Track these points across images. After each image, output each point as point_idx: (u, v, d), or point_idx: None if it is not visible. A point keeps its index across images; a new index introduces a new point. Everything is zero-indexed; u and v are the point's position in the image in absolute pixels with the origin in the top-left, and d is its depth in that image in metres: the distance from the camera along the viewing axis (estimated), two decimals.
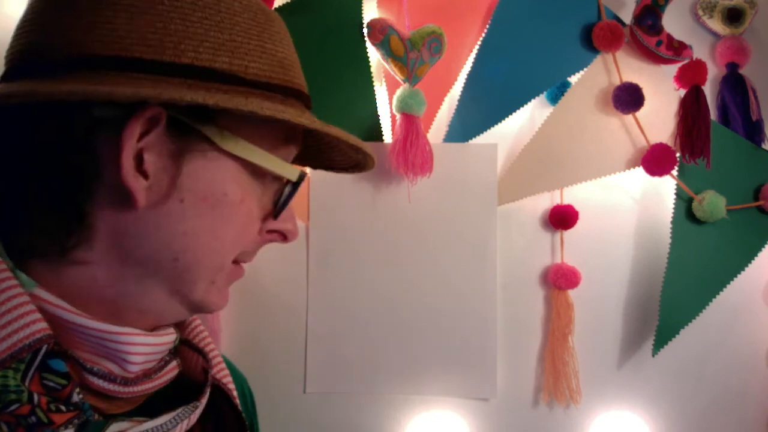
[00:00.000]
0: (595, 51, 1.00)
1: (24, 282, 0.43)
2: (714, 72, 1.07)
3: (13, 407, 0.39)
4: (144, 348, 0.47)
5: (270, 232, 0.52)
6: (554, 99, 1.03)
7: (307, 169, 0.68)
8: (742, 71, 1.05)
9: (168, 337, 0.50)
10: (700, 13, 1.07)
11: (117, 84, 0.41)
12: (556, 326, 1.02)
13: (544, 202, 1.05)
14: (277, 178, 0.51)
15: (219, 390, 0.57)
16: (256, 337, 0.99)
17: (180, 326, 0.60)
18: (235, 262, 0.51)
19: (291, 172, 0.50)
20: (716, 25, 1.06)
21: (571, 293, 1.03)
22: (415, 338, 1.00)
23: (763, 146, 1.04)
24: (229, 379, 0.59)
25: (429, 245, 1.00)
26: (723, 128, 1.03)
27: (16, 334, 0.40)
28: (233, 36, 0.46)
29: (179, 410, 0.47)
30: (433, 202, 1.00)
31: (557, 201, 1.04)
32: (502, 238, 1.02)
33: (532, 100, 1.01)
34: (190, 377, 0.56)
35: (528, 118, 1.04)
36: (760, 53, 1.06)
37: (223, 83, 0.45)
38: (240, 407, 0.59)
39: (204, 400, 0.51)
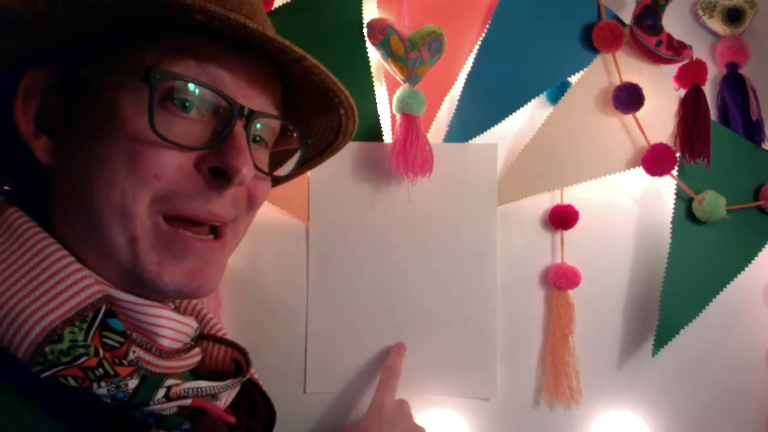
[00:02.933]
0: (595, 51, 1.00)
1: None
2: (714, 72, 1.07)
3: (82, 360, 0.41)
4: (172, 323, 0.48)
5: (214, 171, 0.46)
6: (554, 99, 1.03)
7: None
8: (742, 71, 1.05)
9: (191, 321, 0.52)
10: (700, 13, 1.07)
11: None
12: (557, 326, 1.02)
13: (544, 202, 1.05)
14: (217, 109, 0.47)
15: (252, 383, 0.60)
16: (256, 337, 0.99)
17: (202, 323, 0.62)
18: (179, 218, 0.46)
19: (128, 72, 0.44)
20: (716, 25, 1.06)
21: (572, 293, 1.03)
22: (415, 338, 1.00)
23: (763, 146, 1.04)
24: (253, 372, 0.61)
25: (429, 245, 1.00)
26: (723, 128, 1.03)
27: (78, 295, 0.43)
28: None
29: (228, 381, 0.49)
30: (433, 202, 1.00)
31: (557, 201, 1.04)
32: (502, 238, 1.02)
33: (532, 100, 1.01)
34: (209, 370, 0.58)
35: (528, 118, 1.04)
36: (760, 53, 1.06)
37: None
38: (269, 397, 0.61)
39: (246, 378, 0.53)
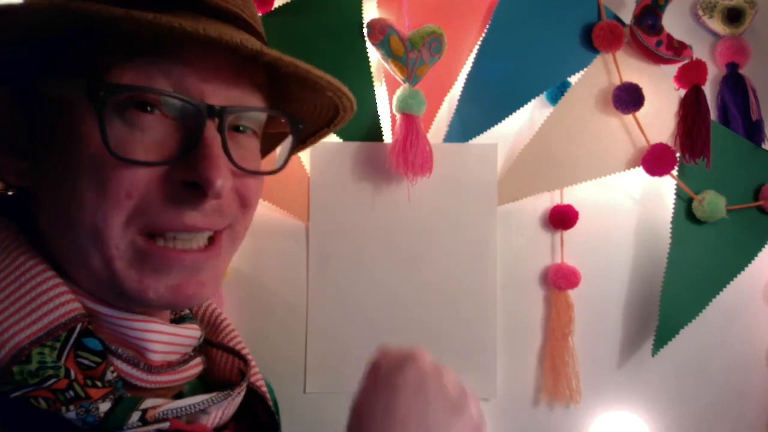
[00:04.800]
0: (595, 51, 1.00)
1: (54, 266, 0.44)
2: (714, 72, 1.07)
3: (51, 382, 0.39)
4: (162, 336, 0.46)
5: (186, 184, 0.42)
6: (554, 99, 1.03)
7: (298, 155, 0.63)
8: (742, 71, 1.05)
9: (190, 332, 0.50)
10: (700, 13, 1.07)
11: None
12: (556, 326, 1.02)
13: (544, 202, 1.05)
14: (183, 111, 0.43)
15: (254, 393, 0.57)
16: (256, 337, 0.99)
17: (214, 329, 0.60)
18: (158, 235, 0.43)
19: (68, 87, 0.41)
20: (716, 25, 1.06)
21: (571, 293, 1.03)
22: (414, 338, 1.00)
23: (763, 146, 1.04)
24: (263, 383, 0.59)
25: (429, 245, 1.00)
26: (723, 128, 1.03)
27: (51, 313, 0.41)
28: None
29: (213, 394, 0.47)
30: (433, 202, 1.00)
31: (557, 201, 1.04)
32: (502, 238, 1.02)
33: (532, 100, 1.01)
34: (221, 380, 0.56)
35: (528, 118, 1.04)
36: (760, 53, 1.06)
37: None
38: (273, 410, 0.59)
39: (239, 392, 0.50)
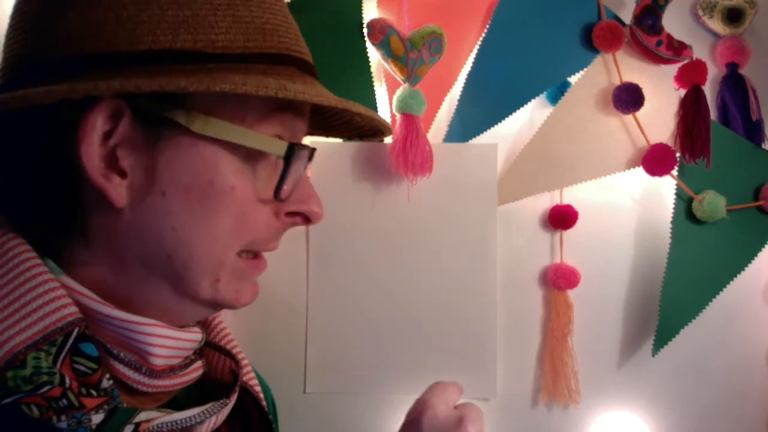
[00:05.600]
0: (595, 51, 1.00)
1: (52, 269, 0.44)
2: (714, 72, 1.07)
3: (45, 389, 0.38)
4: (167, 341, 0.46)
5: (290, 214, 0.51)
6: (554, 99, 1.03)
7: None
8: (742, 71, 1.05)
9: (193, 335, 0.50)
10: (700, 13, 1.07)
11: (70, 84, 0.39)
12: (556, 326, 1.02)
13: (544, 202, 1.05)
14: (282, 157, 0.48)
15: (247, 392, 0.57)
16: (256, 336, 0.99)
17: (204, 327, 0.60)
18: (251, 252, 0.50)
19: (273, 145, 0.46)
20: (716, 25, 1.06)
21: (571, 293, 1.03)
22: (414, 338, 1.00)
23: (763, 146, 1.04)
24: (256, 382, 0.60)
25: (429, 245, 1.00)
26: (723, 128, 1.03)
27: (48, 317, 0.41)
28: (195, 10, 0.42)
29: (209, 405, 0.47)
30: (433, 202, 1.00)
31: (557, 201, 1.04)
32: (502, 238, 1.02)
33: (532, 100, 1.01)
34: (215, 380, 0.56)
35: (528, 118, 1.04)
36: (760, 53, 1.06)
37: (188, 63, 0.42)
38: (267, 410, 0.59)
39: (233, 399, 0.50)
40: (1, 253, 0.43)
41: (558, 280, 1.02)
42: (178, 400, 0.51)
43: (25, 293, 0.41)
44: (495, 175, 1.01)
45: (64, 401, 0.39)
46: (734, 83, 1.04)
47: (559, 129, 1.00)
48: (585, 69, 1.01)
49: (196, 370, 0.51)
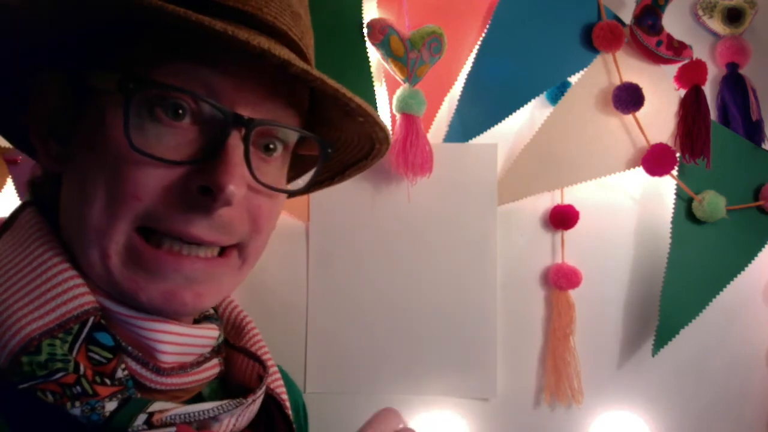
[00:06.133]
0: (595, 51, 1.00)
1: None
2: (714, 72, 1.07)
3: (59, 375, 0.39)
4: (173, 338, 0.45)
5: (203, 190, 0.42)
6: (554, 99, 1.03)
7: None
8: (742, 71, 1.05)
9: (206, 332, 0.49)
10: (700, 13, 1.07)
11: None
12: (557, 326, 1.02)
13: (544, 202, 1.05)
14: (212, 118, 0.42)
15: (273, 399, 0.55)
16: None
17: (237, 331, 0.59)
18: (156, 231, 0.42)
19: (103, 79, 0.41)
20: (716, 25, 1.06)
21: (572, 293, 1.03)
22: (415, 338, 1.00)
23: (763, 146, 1.04)
24: (284, 389, 0.58)
25: (429, 245, 1.00)
26: (723, 128, 1.03)
27: (64, 306, 0.41)
28: None
29: (225, 402, 0.45)
30: (433, 202, 1.00)
31: (557, 201, 1.04)
32: (502, 238, 1.02)
33: (532, 100, 1.01)
34: (243, 384, 0.54)
35: (528, 118, 1.04)
36: (760, 53, 1.06)
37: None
38: (292, 418, 0.56)
39: (254, 400, 0.48)
40: (27, 245, 0.44)
41: (560, 280, 1.01)
42: (203, 400, 0.50)
43: (44, 282, 0.42)
44: (495, 175, 1.01)
45: (78, 388, 0.39)
46: (734, 83, 1.04)
47: (559, 129, 1.00)
48: (585, 69, 1.01)
49: (210, 369, 0.49)
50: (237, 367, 0.55)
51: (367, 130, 0.52)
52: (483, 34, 1.00)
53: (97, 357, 0.42)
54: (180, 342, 0.46)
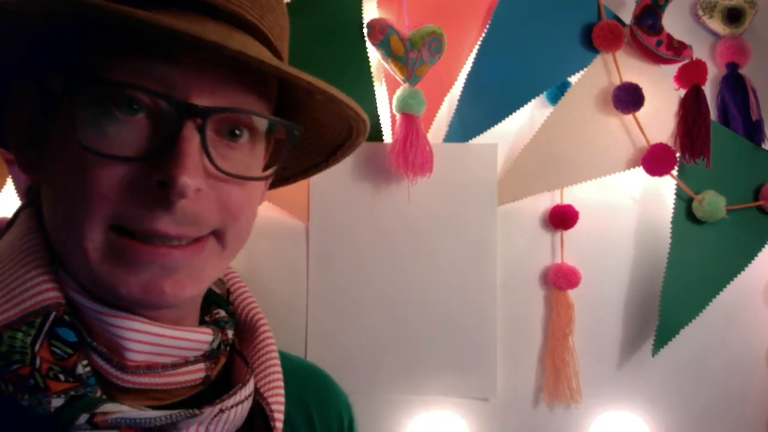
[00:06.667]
0: (595, 51, 1.00)
1: (56, 260, 0.46)
2: (714, 72, 1.07)
3: (15, 367, 0.41)
4: (144, 336, 0.44)
5: (161, 184, 0.41)
6: (554, 99, 1.03)
7: None
8: (742, 71, 1.05)
9: (191, 335, 0.47)
10: (700, 13, 1.07)
11: None
12: (557, 326, 1.02)
13: (544, 202, 1.05)
14: (165, 110, 0.41)
15: (262, 410, 0.52)
16: None
17: (248, 336, 0.56)
18: (130, 230, 0.42)
19: (52, 80, 0.42)
20: (716, 25, 1.06)
21: (572, 293, 1.03)
22: (415, 338, 1.00)
23: (763, 146, 1.04)
24: (279, 400, 0.53)
25: (429, 245, 1.00)
26: (723, 128, 1.03)
27: (27, 301, 0.43)
28: None
29: (174, 412, 0.43)
30: (433, 202, 1.00)
31: (557, 201, 1.04)
32: (502, 238, 1.02)
33: (532, 100, 1.01)
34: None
35: (528, 118, 1.04)
36: (760, 53, 1.06)
37: None
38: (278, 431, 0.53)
39: (213, 413, 0.45)
40: (14, 245, 0.46)
41: (559, 280, 1.02)
42: (193, 404, 0.47)
43: (14, 280, 0.44)
44: (495, 175, 1.01)
45: (32, 381, 0.41)
46: (734, 83, 1.04)
47: (559, 129, 1.00)
48: (585, 69, 1.01)
49: (190, 373, 0.48)
50: (236, 372, 0.54)
51: (334, 107, 0.51)
52: (483, 34, 1.00)
53: (59, 352, 0.42)
54: (152, 342, 0.45)
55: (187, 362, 0.48)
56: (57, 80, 0.42)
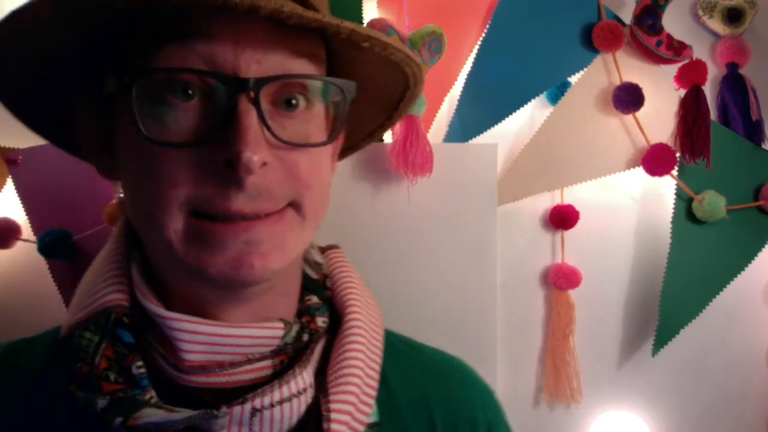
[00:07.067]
0: (595, 51, 1.00)
1: (134, 256, 0.49)
2: (714, 72, 1.07)
3: (79, 365, 0.44)
4: (199, 337, 0.44)
5: (227, 165, 0.41)
6: (554, 99, 1.03)
7: None
8: (742, 71, 1.05)
9: (255, 331, 0.45)
10: (700, 13, 1.07)
11: None
12: (557, 326, 1.02)
13: (544, 202, 1.05)
14: (218, 89, 0.41)
15: (316, 414, 0.47)
16: None
17: (338, 339, 0.52)
18: (208, 214, 0.42)
19: (109, 83, 0.43)
20: (716, 25, 1.06)
21: (572, 293, 1.03)
22: (415, 338, 1.00)
23: (763, 146, 1.04)
24: (345, 399, 0.47)
25: (429, 245, 1.00)
26: (723, 128, 1.03)
27: (96, 302, 0.46)
28: None
29: (194, 413, 0.42)
30: (433, 202, 1.00)
31: (557, 201, 1.04)
32: (502, 238, 1.02)
33: (532, 100, 1.01)
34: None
35: (528, 118, 1.04)
36: (760, 53, 1.06)
37: None
38: None
39: (237, 410, 0.43)
40: (101, 256, 0.51)
41: (559, 280, 1.02)
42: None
43: (91, 287, 0.48)
44: (495, 175, 1.01)
45: (88, 380, 0.43)
46: (734, 83, 1.04)
47: (559, 129, 1.00)
48: (585, 69, 1.01)
49: (251, 372, 0.46)
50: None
51: (383, 56, 0.49)
52: (483, 34, 1.00)
53: (120, 351, 0.45)
54: (207, 341, 0.44)
55: (249, 360, 0.46)
56: (110, 82, 0.43)
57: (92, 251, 0.98)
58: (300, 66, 0.45)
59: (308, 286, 0.55)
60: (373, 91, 0.54)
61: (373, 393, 0.49)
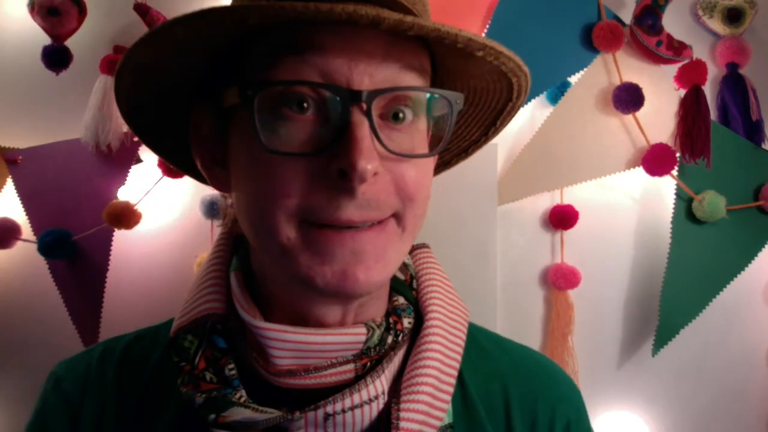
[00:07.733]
0: (595, 51, 1.00)
1: (233, 264, 0.53)
2: (714, 72, 1.07)
3: (183, 364, 0.49)
4: (287, 344, 0.46)
5: (340, 175, 0.42)
6: (554, 99, 1.03)
7: None
8: (742, 71, 1.05)
9: (339, 337, 0.47)
10: (700, 13, 1.07)
11: None
12: (556, 326, 1.02)
13: (544, 202, 1.05)
14: (331, 101, 0.43)
15: (387, 418, 0.48)
16: None
17: (416, 347, 0.52)
18: (316, 222, 0.44)
19: (230, 95, 0.44)
20: (716, 25, 1.06)
21: (571, 293, 1.03)
22: None
23: (763, 146, 1.04)
24: (415, 407, 0.48)
25: (428, 245, 1.00)
26: (723, 128, 1.03)
27: (196, 309, 0.51)
28: None
29: (273, 415, 0.46)
30: (433, 202, 0.99)
31: (557, 201, 1.04)
32: (502, 238, 1.02)
33: (532, 100, 1.01)
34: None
35: (528, 118, 1.04)
36: (760, 53, 1.06)
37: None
38: None
39: (311, 414, 0.46)
40: (203, 267, 0.55)
41: (558, 280, 1.02)
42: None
43: (197, 289, 0.53)
44: (495, 175, 1.01)
45: (187, 378, 0.48)
46: (734, 83, 1.04)
47: (559, 129, 1.00)
48: (585, 69, 1.01)
49: (335, 375, 0.48)
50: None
51: (492, 66, 0.50)
52: (483, 34, 1.00)
53: (214, 355, 0.49)
54: (294, 348, 0.47)
55: (333, 364, 0.48)
56: (232, 93, 0.44)
57: (92, 251, 0.98)
58: (409, 79, 0.46)
59: (395, 286, 0.56)
60: (474, 105, 0.56)
61: (448, 397, 0.50)
